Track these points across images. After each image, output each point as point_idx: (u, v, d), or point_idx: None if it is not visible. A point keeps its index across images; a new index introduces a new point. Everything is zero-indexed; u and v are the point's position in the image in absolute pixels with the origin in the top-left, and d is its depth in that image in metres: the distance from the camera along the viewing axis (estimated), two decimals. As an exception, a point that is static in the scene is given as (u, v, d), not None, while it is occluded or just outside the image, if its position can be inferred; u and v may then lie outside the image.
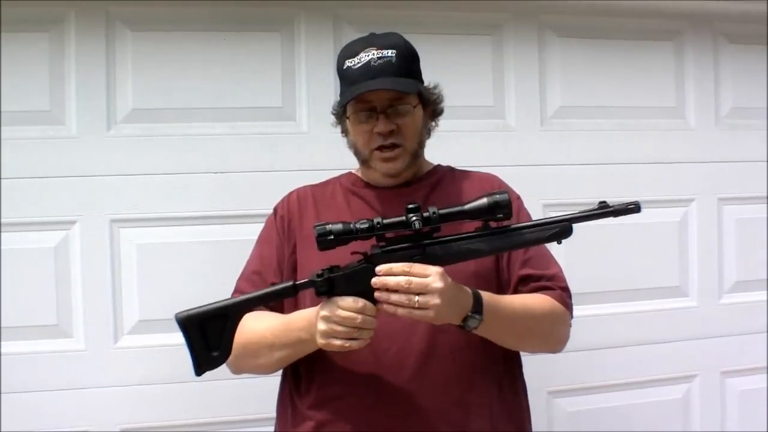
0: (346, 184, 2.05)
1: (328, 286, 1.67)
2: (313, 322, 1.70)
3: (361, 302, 1.63)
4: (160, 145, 2.75)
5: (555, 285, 1.91)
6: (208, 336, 1.68)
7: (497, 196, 1.66)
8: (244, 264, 2.04)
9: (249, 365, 1.90)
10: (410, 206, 1.65)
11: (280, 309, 1.91)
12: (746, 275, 3.27)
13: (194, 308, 1.69)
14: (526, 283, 1.90)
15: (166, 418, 2.72)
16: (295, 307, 1.88)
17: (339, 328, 1.64)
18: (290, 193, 2.08)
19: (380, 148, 1.89)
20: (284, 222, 2.00)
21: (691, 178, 3.21)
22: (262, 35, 2.84)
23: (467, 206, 1.67)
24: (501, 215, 1.67)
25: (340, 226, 1.64)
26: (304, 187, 2.09)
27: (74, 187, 2.69)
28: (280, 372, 1.98)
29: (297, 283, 1.69)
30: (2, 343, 2.61)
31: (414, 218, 1.64)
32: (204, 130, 2.78)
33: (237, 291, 1.99)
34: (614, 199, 2.97)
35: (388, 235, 1.68)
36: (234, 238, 2.70)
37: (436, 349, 1.80)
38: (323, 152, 2.77)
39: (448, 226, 1.69)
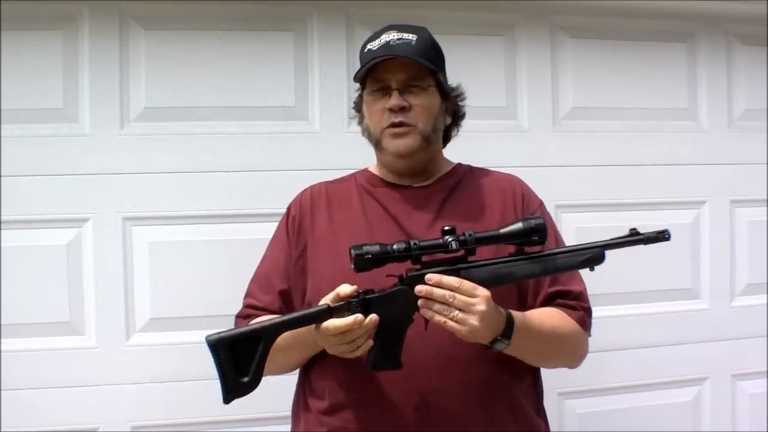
0: (361, 181, 2.02)
1: (364, 308, 1.66)
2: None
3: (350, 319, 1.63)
4: (172, 143, 2.76)
5: (579, 305, 1.91)
6: (239, 360, 1.64)
7: (532, 221, 1.68)
8: (259, 262, 2.03)
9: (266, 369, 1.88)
10: (446, 228, 1.66)
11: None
12: (758, 278, 3.25)
13: (226, 330, 1.66)
14: (552, 299, 1.89)
15: (178, 416, 2.73)
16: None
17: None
18: (304, 191, 2.06)
19: (391, 125, 1.88)
20: (295, 222, 1.98)
21: (703, 180, 3.20)
22: (275, 34, 2.84)
23: (502, 230, 1.69)
24: (536, 238, 1.68)
25: (377, 248, 1.64)
26: (320, 183, 2.07)
27: (87, 184, 2.69)
28: (296, 374, 1.99)
29: (332, 306, 1.66)
30: (15, 339, 2.62)
31: (450, 239, 1.65)
32: (216, 129, 2.79)
33: (248, 295, 1.99)
34: (626, 200, 3.02)
35: (424, 258, 1.69)
36: (245, 237, 2.71)
37: (450, 360, 1.79)
38: (335, 152, 2.78)
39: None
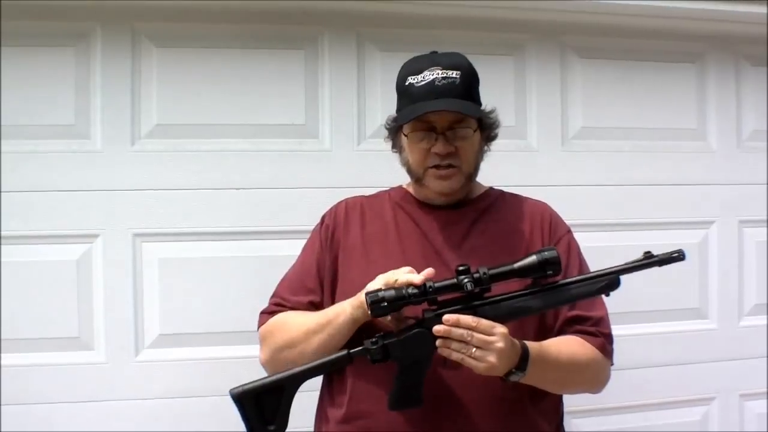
0: (395, 197, 2.05)
1: (383, 353, 1.69)
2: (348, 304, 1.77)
3: None
4: (183, 160, 2.77)
5: (599, 331, 1.90)
6: (264, 410, 1.69)
7: (546, 253, 1.69)
8: (289, 268, 2.06)
9: (286, 358, 1.87)
10: (460, 268, 1.67)
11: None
12: (766, 298, 3.24)
13: (249, 383, 1.69)
14: (571, 325, 1.89)
15: (187, 433, 2.73)
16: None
17: None
18: (340, 203, 2.08)
19: (436, 166, 1.89)
20: (329, 231, 2.01)
21: (712, 200, 3.21)
22: (286, 53, 2.85)
23: (517, 265, 1.70)
24: (551, 271, 1.69)
25: (392, 293, 1.65)
26: (356, 197, 2.09)
27: (98, 200, 2.71)
28: (314, 389, 1.99)
29: (351, 351, 1.70)
30: (24, 354, 2.63)
31: (465, 280, 1.65)
32: (227, 146, 2.80)
33: (276, 295, 2.02)
34: (635, 220, 3.01)
35: (440, 298, 1.69)
36: (255, 254, 2.74)
37: (466, 377, 1.77)
38: (345, 170, 2.80)
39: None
